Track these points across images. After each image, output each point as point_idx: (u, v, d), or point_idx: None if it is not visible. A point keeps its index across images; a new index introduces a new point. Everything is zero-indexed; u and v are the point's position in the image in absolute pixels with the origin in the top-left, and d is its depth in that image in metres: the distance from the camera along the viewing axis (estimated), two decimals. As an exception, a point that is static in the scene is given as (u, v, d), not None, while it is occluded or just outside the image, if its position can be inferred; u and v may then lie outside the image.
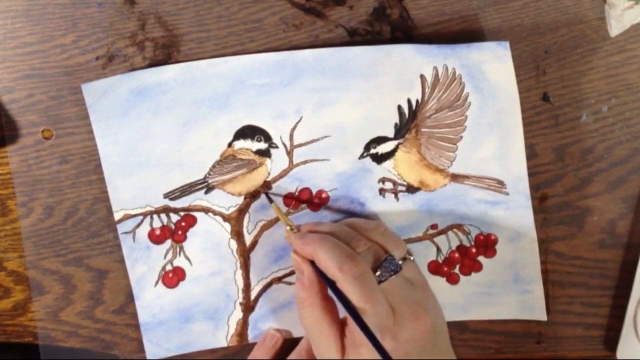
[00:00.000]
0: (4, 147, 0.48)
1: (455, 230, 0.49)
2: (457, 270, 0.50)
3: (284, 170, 0.48)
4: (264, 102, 0.47)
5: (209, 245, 0.48)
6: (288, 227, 0.44)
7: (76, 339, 0.50)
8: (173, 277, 0.49)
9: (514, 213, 0.49)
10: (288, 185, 0.48)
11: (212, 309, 0.49)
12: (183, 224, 0.48)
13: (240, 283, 0.49)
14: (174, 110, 0.47)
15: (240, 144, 0.47)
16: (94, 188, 0.48)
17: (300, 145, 0.48)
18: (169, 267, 0.49)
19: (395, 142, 0.48)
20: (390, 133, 0.48)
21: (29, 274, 0.49)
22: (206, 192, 0.48)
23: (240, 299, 0.49)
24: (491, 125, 0.48)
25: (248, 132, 0.47)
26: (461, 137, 0.48)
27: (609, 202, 0.50)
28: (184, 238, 0.48)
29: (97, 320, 0.50)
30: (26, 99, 0.47)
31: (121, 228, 0.48)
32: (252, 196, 0.48)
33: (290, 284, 0.49)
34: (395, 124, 0.48)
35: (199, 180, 0.48)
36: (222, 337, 0.49)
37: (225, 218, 0.48)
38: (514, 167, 0.48)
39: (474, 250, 0.49)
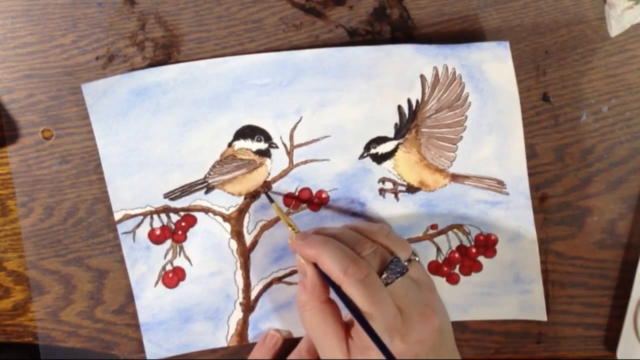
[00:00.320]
0: (4, 147, 0.48)
1: (455, 230, 0.49)
2: (457, 271, 0.50)
3: (284, 170, 0.48)
4: (264, 102, 0.47)
5: (209, 245, 0.48)
6: (290, 228, 0.44)
7: (76, 339, 0.50)
8: (173, 277, 0.49)
9: (514, 213, 0.49)
10: (288, 185, 0.48)
11: (212, 309, 0.49)
12: (183, 224, 0.48)
13: (241, 283, 0.49)
14: (174, 110, 0.47)
15: (240, 144, 0.47)
16: (94, 188, 0.48)
17: (300, 145, 0.48)
18: (169, 267, 0.49)
19: (395, 142, 0.48)
20: (390, 133, 0.48)
21: (29, 274, 0.49)
22: (206, 192, 0.48)
23: (241, 299, 0.49)
24: (491, 125, 0.48)
25: (248, 132, 0.47)
26: (461, 137, 0.48)
27: (609, 202, 0.50)
28: (184, 238, 0.48)
29: (97, 320, 0.50)
30: (26, 99, 0.47)
31: (121, 228, 0.48)
32: (252, 196, 0.48)
33: (290, 284, 0.49)
34: (396, 124, 0.48)
35: (199, 180, 0.48)
36: (222, 337, 0.49)
37: (226, 218, 0.48)
38: (514, 167, 0.48)
39: (474, 250, 0.49)
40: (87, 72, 0.47)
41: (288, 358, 0.48)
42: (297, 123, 0.47)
